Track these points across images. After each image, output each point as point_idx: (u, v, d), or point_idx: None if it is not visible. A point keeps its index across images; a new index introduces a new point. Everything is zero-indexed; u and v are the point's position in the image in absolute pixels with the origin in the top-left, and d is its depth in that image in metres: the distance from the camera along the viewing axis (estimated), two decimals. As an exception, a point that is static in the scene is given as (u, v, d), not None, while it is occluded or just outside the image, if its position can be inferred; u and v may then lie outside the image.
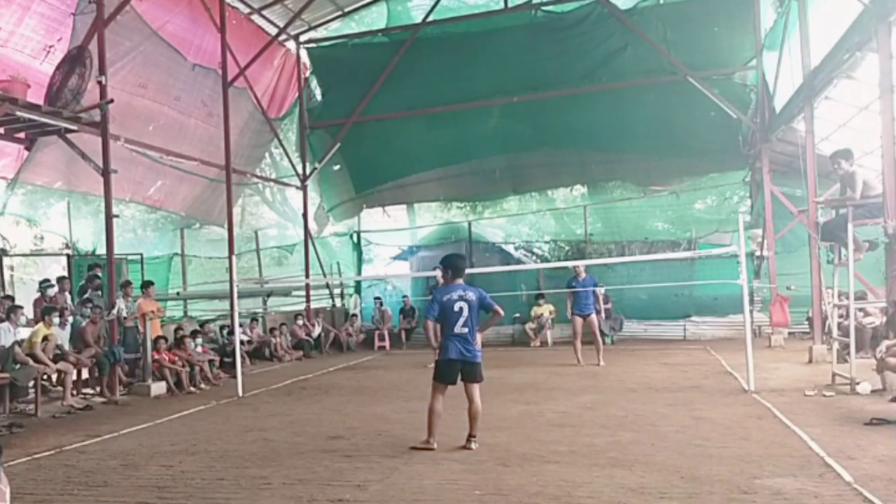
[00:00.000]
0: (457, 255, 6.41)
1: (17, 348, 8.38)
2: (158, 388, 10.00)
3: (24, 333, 9.12)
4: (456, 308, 5.80)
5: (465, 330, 5.82)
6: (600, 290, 11.70)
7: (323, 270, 17.33)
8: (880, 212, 7.61)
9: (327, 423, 7.40)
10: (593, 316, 11.60)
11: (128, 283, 10.81)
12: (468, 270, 6.65)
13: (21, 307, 9.23)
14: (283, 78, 16.88)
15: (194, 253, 15.12)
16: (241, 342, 11.69)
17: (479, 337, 6.03)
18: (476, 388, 5.92)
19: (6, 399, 8.33)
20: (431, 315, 5.89)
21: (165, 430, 7.42)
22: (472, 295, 5.87)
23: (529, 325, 15.41)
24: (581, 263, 11.98)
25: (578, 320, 11.58)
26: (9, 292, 10.68)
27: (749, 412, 6.93)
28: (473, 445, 5.82)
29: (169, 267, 14.30)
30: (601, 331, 14.81)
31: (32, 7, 10.31)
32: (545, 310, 15.22)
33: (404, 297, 17.24)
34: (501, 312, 6.06)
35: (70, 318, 9.52)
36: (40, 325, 8.97)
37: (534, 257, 17.65)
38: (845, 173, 7.92)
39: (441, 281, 11.34)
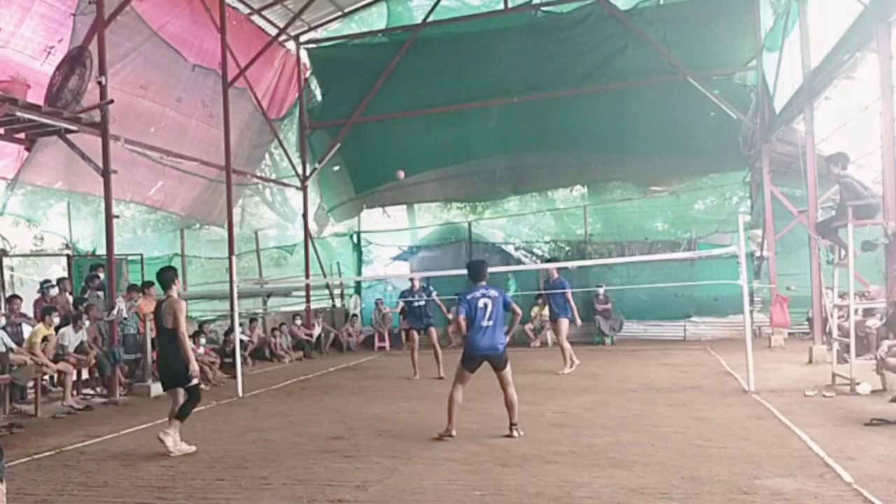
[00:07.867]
0: (478, 261, 6.96)
1: (11, 354, 8.36)
2: (158, 388, 9.96)
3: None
4: (480, 304, 6.35)
5: (490, 323, 6.33)
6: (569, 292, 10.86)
7: (323, 271, 17.31)
8: (874, 212, 7.62)
9: (327, 423, 7.40)
10: (560, 320, 10.73)
11: (133, 288, 10.78)
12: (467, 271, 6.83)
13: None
14: (283, 78, 16.88)
15: (194, 253, 15.11)
16: (242, 343, 11.67)
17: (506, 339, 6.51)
18: (507, 375, 6.37)
19: (6, 399, 8.33)
20: (461, 312, 6.38)
21: (165, 430, 7.41)
22: (494, 293, 6.45)
23: (529, 326, 15.39)
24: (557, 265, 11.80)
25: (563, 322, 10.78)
26: (9, 293, 10.66)
27: (749, 412, 6.93)
28: (516, 434, 6.23)
29: (169, 267, 14.27)
30: (601, 331, 14.96)
31: (33, 8, 10.31)
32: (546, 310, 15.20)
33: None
34: (519, 312, 6.59)
35: (86, 323, 9.50)
36: (40, 325, 8.97)
37: (534, 258, 17.63)
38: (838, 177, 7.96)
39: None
